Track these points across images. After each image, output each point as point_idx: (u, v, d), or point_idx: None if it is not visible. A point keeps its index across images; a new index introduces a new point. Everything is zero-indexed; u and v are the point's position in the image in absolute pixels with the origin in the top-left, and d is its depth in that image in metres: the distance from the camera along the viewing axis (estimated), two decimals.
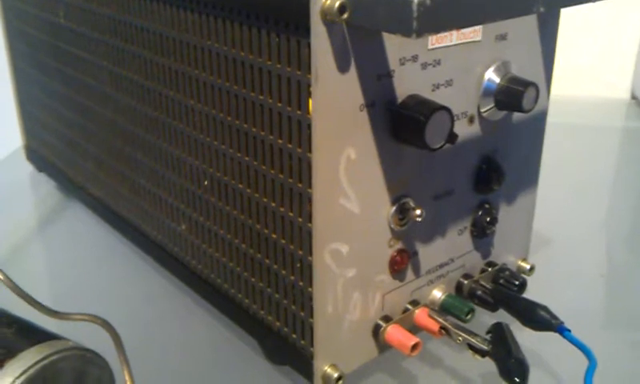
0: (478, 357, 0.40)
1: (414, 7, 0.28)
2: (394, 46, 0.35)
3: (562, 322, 0.41)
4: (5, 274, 0.33)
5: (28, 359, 0.30)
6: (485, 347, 0.40)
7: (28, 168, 0.73)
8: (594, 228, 0.63)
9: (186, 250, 0.49)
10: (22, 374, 0.29)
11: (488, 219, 0.44)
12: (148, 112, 0.49)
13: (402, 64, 0.36)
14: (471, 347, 0.40)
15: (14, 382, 0.29)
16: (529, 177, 0.48)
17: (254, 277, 0.43)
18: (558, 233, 0.60)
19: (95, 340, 0.35)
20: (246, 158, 0.40)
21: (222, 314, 0.48)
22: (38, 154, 0.71)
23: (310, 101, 0.34)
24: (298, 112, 0.35)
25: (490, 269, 0.46)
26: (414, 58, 0.37)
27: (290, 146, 0.36)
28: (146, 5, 0.45)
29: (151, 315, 0.51)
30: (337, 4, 0.31)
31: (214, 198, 0.44)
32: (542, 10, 0.32)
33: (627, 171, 0.78)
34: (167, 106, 0.46)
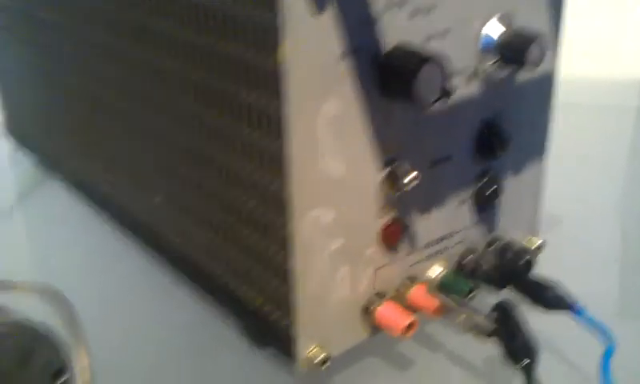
0: (481, 338, 0.37)
1: None
2: None
3: (576, 301, 0.38)
4: None
5: None
6: (489, 326, 0.36)
7: (7, 145, 0.71)
8: (609, 209, 0.61)
9: (163, 224, 0.46)
10: None
11: (491, 189, 0.41)
12: (114, 74, 0.45)
13: (389, 9, 0.32)
14: (474, 327, 0.37)
15: None
16: (536, 144, 0.44)
17: (231, 250, 0.39)
18: (572, 213, 0.57)
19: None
20: (217, 118, 0.36)
21: (201, 292, 0.45)
22: (17, 130, 0.69)
23: (280, 47, 0.30)
24: (269, 60, 0.31)
25: (494, 244, 0.43)
26: (402, 3, 0.33)
27: (262, 100, 0.32)
28: None
29: (123, 295, 0.48)
30: None
31: (187, 165, 0.41)
32: None
33: None
34: (133, 65, 0.43)
